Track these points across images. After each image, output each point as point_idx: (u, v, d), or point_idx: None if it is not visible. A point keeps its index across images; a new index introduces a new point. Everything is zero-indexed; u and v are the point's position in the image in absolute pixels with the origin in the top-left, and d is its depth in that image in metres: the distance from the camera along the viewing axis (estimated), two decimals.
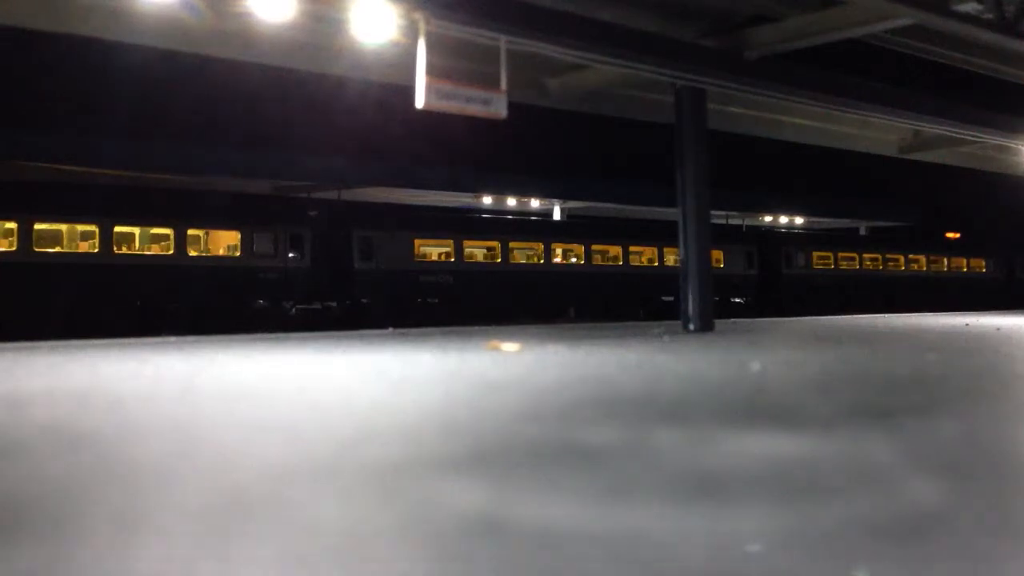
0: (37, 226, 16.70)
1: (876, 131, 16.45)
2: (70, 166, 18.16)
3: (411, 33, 8.17)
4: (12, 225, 16.46)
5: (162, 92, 26.02)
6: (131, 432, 2.89)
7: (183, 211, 18.11)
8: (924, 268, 30.79)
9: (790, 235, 30.13)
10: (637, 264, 25.03)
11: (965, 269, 32.09)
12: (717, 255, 25.76)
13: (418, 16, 8.11)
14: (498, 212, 25.90)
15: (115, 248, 17.38)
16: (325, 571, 1.39)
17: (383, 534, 1.62)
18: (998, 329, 9.70)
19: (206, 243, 18.59)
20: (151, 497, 1.94)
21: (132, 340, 8.92)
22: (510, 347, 7.02)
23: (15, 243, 16.40)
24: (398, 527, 1.67)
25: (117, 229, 17.45)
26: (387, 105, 15.91)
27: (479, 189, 23.88)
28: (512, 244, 22.62)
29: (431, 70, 8.13)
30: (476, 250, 22.15)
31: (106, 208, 17.32)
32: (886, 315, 16.87)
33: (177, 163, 19.42)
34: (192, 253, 18.15)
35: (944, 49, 12.30)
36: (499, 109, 8.58)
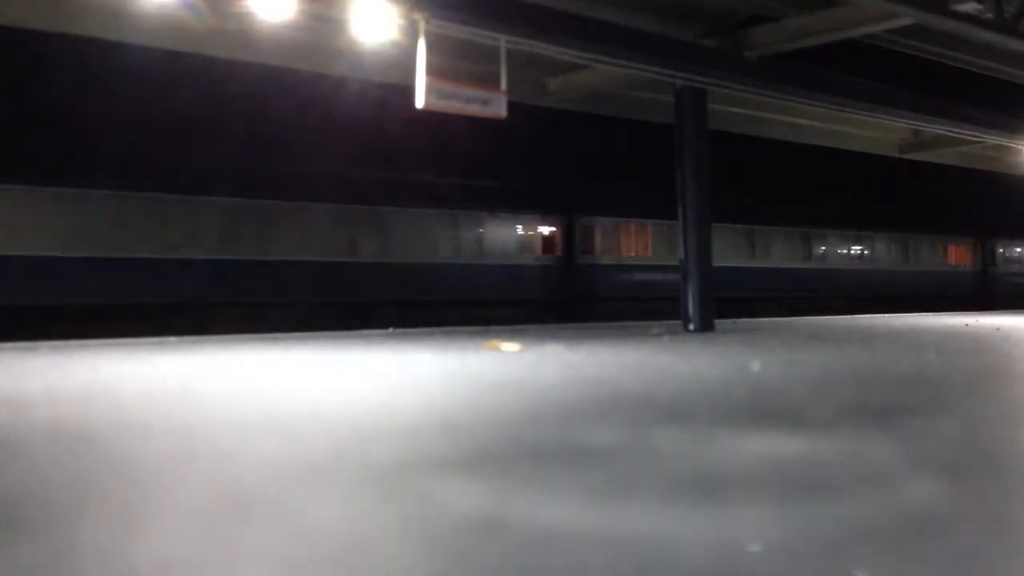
0: None
1: (876, 131, 16.46)
2: None
3: (411, 33, 8.18)
4: None
5: None
6: (130, 433, 2.89)
7: None
8: None
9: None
10: None
11: None
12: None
13: (418, 16, 8.11)
14: None
15: None
16: (323, 567, 1.39)
17: (382, 533, 1.62)
18: (998, 329, 9.70)
19: None
20: (148, 497, 1.94)
21: (132, 340, 8.92)
22: (510, 347, 7.02)
23: None
24: (397, 526, 1.66)
25: None
26: None
27: None
28: None
29: (431, 70, 8.14)
30: None
31: None
32: (885, 315, 16.86)
33: None
34: None
35: (944, 49, 12.29)
36: (499, 109, 8.60)
